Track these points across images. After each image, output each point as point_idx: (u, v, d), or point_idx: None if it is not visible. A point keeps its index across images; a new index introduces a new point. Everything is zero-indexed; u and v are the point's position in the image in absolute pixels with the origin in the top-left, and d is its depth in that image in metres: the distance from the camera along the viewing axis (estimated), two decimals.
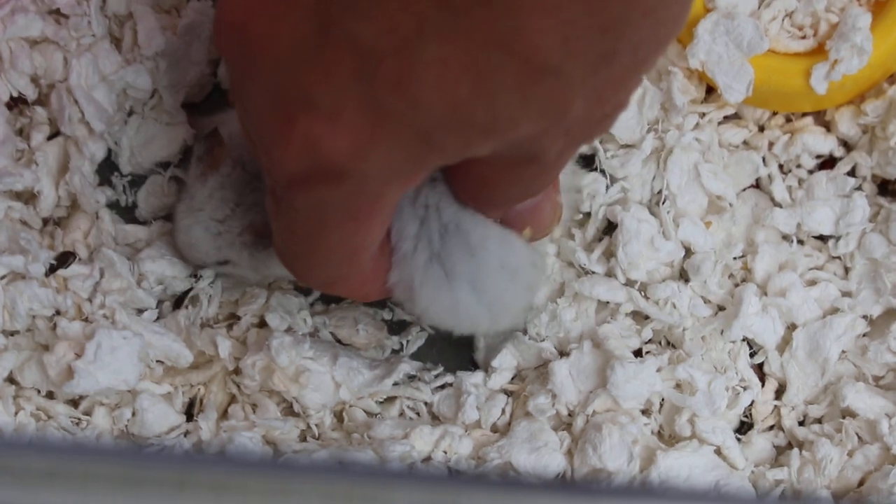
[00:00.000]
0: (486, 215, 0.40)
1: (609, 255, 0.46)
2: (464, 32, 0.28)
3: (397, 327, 0.48)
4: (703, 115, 0.48)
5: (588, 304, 0.46)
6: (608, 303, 0.46)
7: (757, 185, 0.48)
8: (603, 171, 0.47)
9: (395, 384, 0.45)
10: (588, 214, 0.47)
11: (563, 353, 0.46)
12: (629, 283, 0.46)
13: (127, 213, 0.48)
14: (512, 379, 0.46)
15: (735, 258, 0.46)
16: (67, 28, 0.47)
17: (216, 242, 0.44)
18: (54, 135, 0.48)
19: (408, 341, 0.47)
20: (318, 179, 0.32)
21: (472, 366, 0.47)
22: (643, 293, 0.46)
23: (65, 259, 0.46)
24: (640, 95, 0.47)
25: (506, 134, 0.31)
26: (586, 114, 0.31)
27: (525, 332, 0.46)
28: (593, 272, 0.46)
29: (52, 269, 0.45)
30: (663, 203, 0.46)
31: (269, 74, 0.31)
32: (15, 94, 0.47)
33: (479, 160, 0.33)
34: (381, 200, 0.34)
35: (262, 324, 0.46)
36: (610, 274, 0.46)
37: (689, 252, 0.46)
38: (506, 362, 0.46)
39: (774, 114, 0.48)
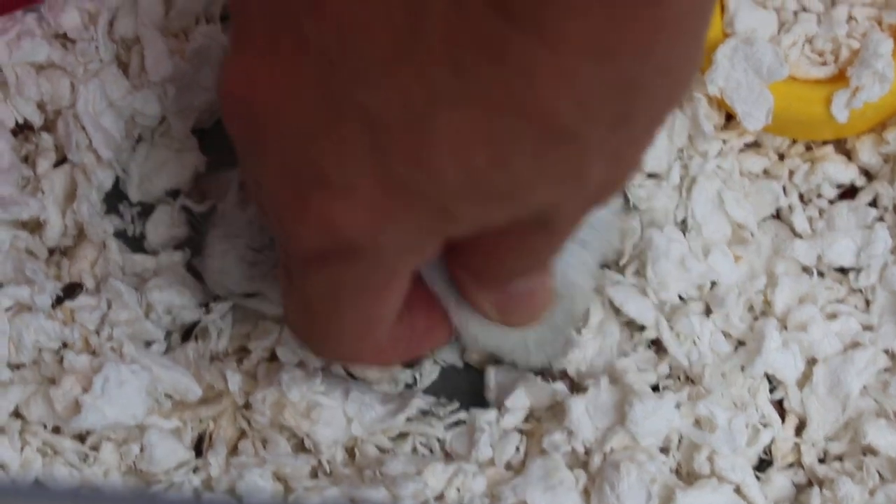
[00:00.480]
0: (481, 298, 0.39)
1: (640, 273, 0.45)
2: (477, 99, 0.27)
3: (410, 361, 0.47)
4: (724, 142, 0.47)
5: (611, 334, 0.45)
6: (630, 333, 0.45)
7: (777, 215, 0.47)
8: (628, 201, 0.46)
9: (408, 420, 0.44)
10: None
11: (577, 388, 0.45)
12: (660, 304, 0.45)
13: (134, 243, 0.48)
14: (526, 419, 0.45)
15: (757, 291, 0.46)
16: (74, 53, 0.47)
17: (250, 272, 0.43)
18: (61, 162, 0.47)
19: (421, 375, 0.46)
20: (334, 256, 0.32)
21: (486, 402, 0.46)
22: (669, 321, 0.45)
23: (71, 290, 0.45)
24: (668, 123, 0.46)
25: (524, 201, 0.30)
26: (604, 176, 0.31)
27: (541, 373, 0.46)
28: (629, 283, 0.45)
29: (58, 301, 0.45)
30: (689, 232, 0.45)
31: (278, 151, 0.31)
32: (21, 121, 0.47)
33: (487, 231, 0.32)
34: (398, 274, 0.33)
35: (273, 357, 0.46)
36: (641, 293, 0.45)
37: (713, 284, 0.45)
38: (519, 402, 0.45)
39: (794, 142, 0.47)
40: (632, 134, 0.30)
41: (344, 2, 0.28)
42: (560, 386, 0.45)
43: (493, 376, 0.46)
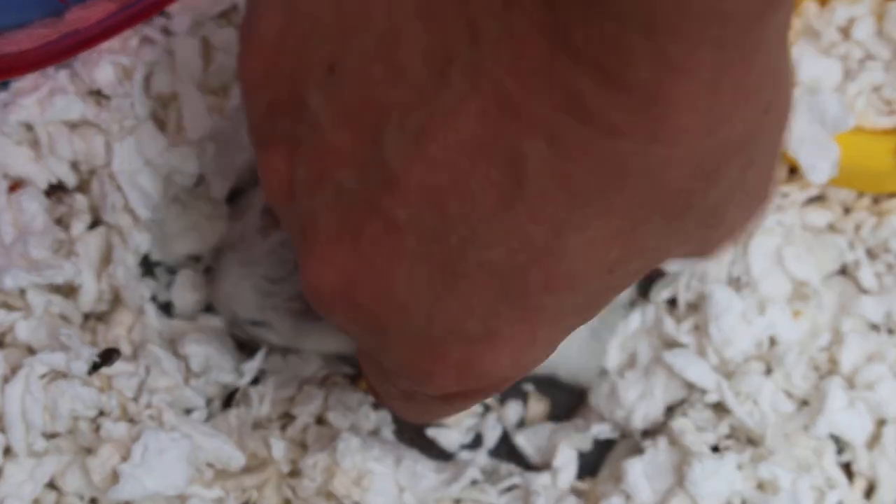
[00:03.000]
0: None
1: (698, 329, 0.44)
2: (603, 212, 0.26)
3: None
4: (785, 196, 0.45)
5: (659, 382, 0.44)
6: (689, 391, 0.44)
7: (843, 270, 0.46)
8: None
9: (462, 488, 0.43)
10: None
11: (623, 435, 0.44)
12: (721, 364, 0.44)
13: (169, 306, 0.46)
14: (579, 476, 0.44)
15: (820, 349, 0.44)
16: (109, 110, 0.45)
17: (262, 302, 0.42)
18: (95, 223, 0.45)
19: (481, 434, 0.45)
20: (475, 392, 0.32)
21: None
22: (729, 380, 0.43)
23: (108, 356, 0.43)
24: None
25: (654, 264, 0.30)
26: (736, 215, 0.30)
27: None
28: (684, 345, 0.44)
29: (94, 367, 0.43)
30: (744, 289, 0.44)
31: (398, 328, 0.30)
32: (54, 182, 0.45)
33: None
34: None
35: (319, 420, 0.44)
36: (700, 352, 0.44)
37: (772, 342, 0.44)
38: (566, 457, 0.44)
39: (861, 195, 0.46)
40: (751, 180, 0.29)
41: (426, 174, 0.26)
42: (602, 428, 0.44)
43: (534, 436, 0.45)
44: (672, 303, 0.45)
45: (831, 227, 0.46)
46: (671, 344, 0.44)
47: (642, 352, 0.45)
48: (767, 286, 0.44)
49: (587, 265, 0.27)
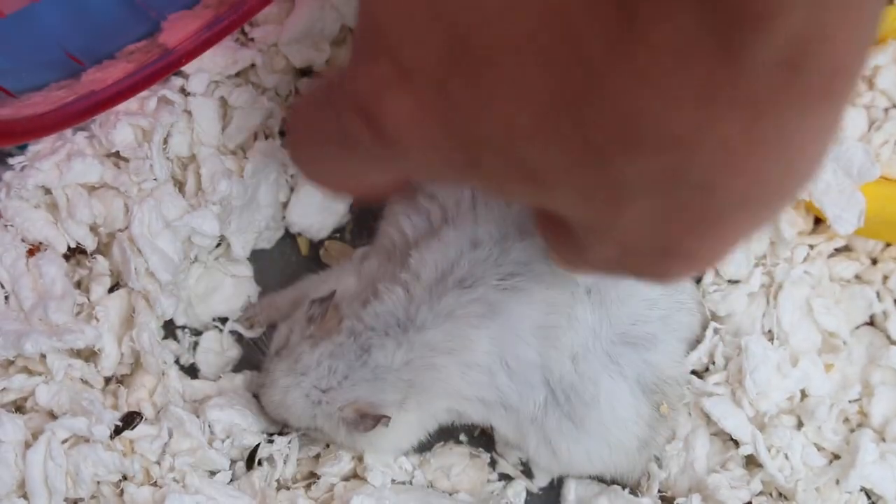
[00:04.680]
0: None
1: (732, 381, 0.43)
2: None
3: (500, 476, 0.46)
4: (812, 247, 0.45)
5: (701, 447, 0.43)
6: (721, 445, 0.43)
7: (871, 321, 0.45)
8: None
9: None
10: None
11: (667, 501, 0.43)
12: (757, 416, 0.43)
13: (192, 368, 0.46)
14: None
15: (850, 401, 0.44)
16: (128, 172, 0.45)
17: (313, 411, 0.41)
18: (115, 286, 0.45)
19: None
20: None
21: None
22: (762, 432, 0.43)
23: (130, 419, 0.43)
24: None
25: None
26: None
27: (625, 485, 0.44)
28: (719, 394, 0.43)
29: (117, 431, 0.43)
30: (775, 340, 0.43)
31: None
32: (73, 245, 0.45)
33: None
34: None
35: (345, 477, 0.44)
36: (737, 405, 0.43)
37: (803, 394, 0.43)
38: None
39: (888, 245, 0.45)
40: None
41: None
42: (646, 500, 0.43)
43: (572, 489, 0.44)
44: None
45: (859, 278, 0.45)
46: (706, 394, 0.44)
47: (683, 422, 0.44)
48: (798, 338, 0.44)
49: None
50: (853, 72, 0.25)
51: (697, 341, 0.44)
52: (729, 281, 0.45)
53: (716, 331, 0.44)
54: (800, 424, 0.43)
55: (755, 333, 0.43)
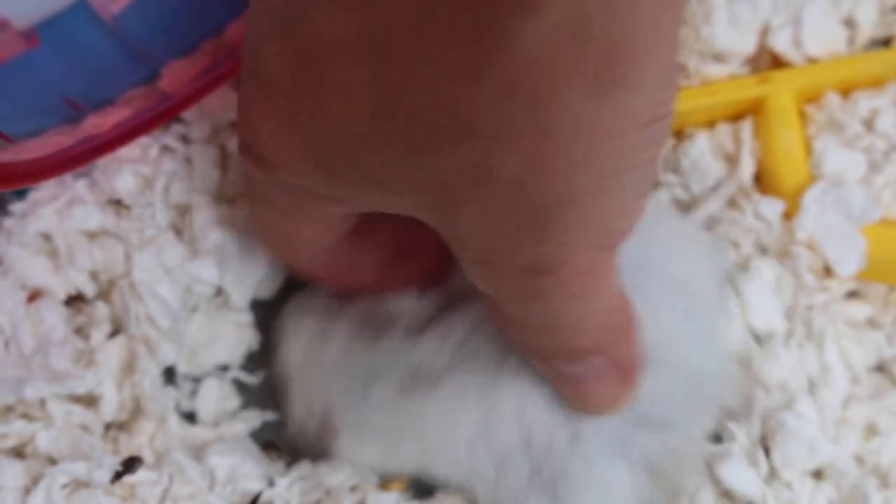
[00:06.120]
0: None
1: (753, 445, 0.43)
2: None
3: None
4: (825, 290, 0.44)
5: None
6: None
7: (879, 367, 0.45)
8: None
9: None
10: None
11: None
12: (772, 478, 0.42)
13: (192, 414, 0.46)
14: None
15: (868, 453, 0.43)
16: (129, 219, 0.45)
17: None
18: (114, 332, 0.45)
19: None
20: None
21: None
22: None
23: (130, 464, 0.43)
24: (775, 279, 0.43)
25: None
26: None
27: None
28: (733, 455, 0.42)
29: (117, 476, 0.42)
30: (815, 393, 0.42)
31: None
32: (73, 292, 0.45)
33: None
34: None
35: None
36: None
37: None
38: None
39: (893, 288, 0.45)
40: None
41: None
42: None
43: None
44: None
45: (870, 322, 0.45)
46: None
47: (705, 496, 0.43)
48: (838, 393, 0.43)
49: None
50: (646, 55, 0.25)
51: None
52: (755, 337, 0.44)
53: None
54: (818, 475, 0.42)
55: (796, 402, 0.42)
